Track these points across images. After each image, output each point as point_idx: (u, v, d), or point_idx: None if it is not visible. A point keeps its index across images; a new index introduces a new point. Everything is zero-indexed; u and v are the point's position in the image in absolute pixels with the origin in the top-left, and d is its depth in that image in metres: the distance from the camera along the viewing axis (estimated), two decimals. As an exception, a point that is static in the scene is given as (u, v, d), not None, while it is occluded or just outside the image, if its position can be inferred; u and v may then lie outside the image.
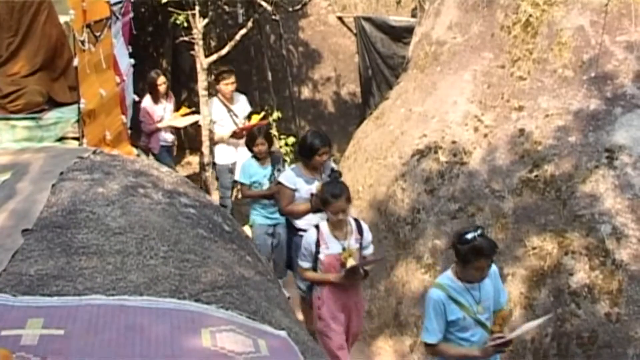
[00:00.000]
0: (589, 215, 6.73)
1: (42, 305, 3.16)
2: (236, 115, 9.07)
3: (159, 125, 9.71)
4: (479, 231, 4.88)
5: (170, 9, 10.56)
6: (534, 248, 6.82)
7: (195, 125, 10.20)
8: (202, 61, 10.34)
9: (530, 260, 6.79)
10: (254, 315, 3.48)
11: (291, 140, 11.53)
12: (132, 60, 8.61)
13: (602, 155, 6.97)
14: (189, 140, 12.60)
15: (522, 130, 7.50)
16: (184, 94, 13.35)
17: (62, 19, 6.03)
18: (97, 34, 6.65)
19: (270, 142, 7.66)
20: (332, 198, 5.72)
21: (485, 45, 8.43)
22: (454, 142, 7.86)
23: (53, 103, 6.03)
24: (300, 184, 6.65)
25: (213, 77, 11.95)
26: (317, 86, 13.36)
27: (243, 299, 3.60)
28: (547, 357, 6.43)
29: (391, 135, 8.64)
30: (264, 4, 10.66)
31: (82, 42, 6.11)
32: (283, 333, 3.44)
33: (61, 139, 5.78)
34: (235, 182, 8.88)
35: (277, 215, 7.29)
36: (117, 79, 7.40)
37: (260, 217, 7.45)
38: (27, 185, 4.37)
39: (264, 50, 13.03)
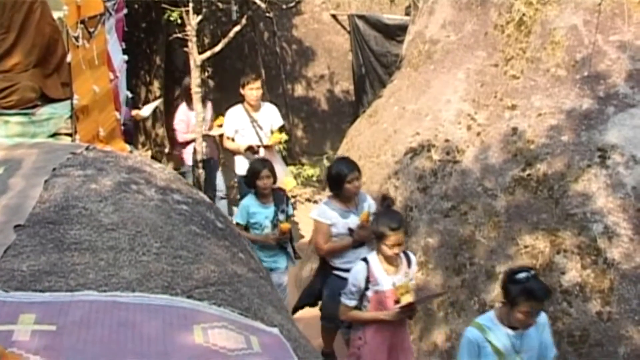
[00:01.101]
0: (581, 214, 6.74)
1: (34, 300, 3.16)
2: (260, 127, 8.25)
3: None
4: (532, 272, 4.60)
5: (163, 5, 10.55)
6: (526, 247, 6.83)
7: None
8: (196, 58, 10.32)
9: (522, 258, 6.80)
10: (246, 312, 3.48)
11: (284, 137, 11.50)
12: (126, 57, 8.59)
13: (594, 155, 6.99)
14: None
15: (515, 129, 7.52)
16: (178, 90, 13.34)
17: (56, 14, 6.01)
18: (91, 30, 6.64)
19: (274, 177, 6.79)
20: (389, 231, 5.25)
21: (479, 44, 8.44)
22: (447, 140, 7.88)
23: (46, 99, 6.01)
24: (336, 218, 6.10)
25: (207, 74, 11.95)
26: (311, 84, 13.37)
27: (235, 296, 3.60)
28: (538, 355, 6.45)
29: (384, 134, 8.65)
30: (257, 1, 10.65)
31: (76, 38, 6.10)
32: (275, 330, 3.44)
33: (54, 134, 5.76)
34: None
35: (277, 258, 6.73)
36: (111, 76, 7.39)
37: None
38: (19, 180, 4.37)
39: (257, 48, 13.03)
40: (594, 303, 6.37)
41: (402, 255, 5.50)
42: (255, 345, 3.16)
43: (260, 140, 8.17)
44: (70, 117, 5.83)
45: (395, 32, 12.28)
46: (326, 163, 11.40)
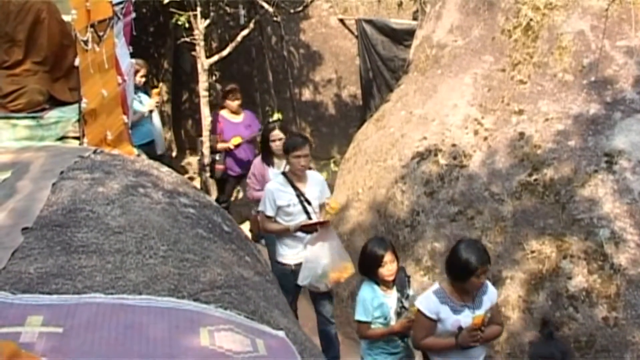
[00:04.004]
0: (587, 219, 6.74)
1: (41, 303, 3.17)
2: (308, 202, 6.55)
3: None
4: None
5: (171, 9, 10.59)
6: (532, 252, 6.83)
7: (194, 127, 10.13)
8: (204, 62, 10.37)
9: (528, 263, 6.80)
10: (252, 315, 3.48)
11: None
12: (134, 61, 8.61)
13: (601, 160, 6.98)
14: (189, 140, 12.61)
15: (522, 134, 7.52)
16: (185, 95, 13.38)
17: (65, 19, 6.04)
18: (101, 34, 6.66)
19: (397, 257, 5.52)
20: None
21: (486, 49, 8.44)
22: (454, 145, 7.88)
23: (54, 102, 6.04)
24: (445, 312, 4.88)
25: (214, 78, 11.97)
26: (318, 88, 13.39)
27: (242, 299, 3.61)
28: (544, 360, 6.45)
29: (391, 138, 8.66)
30: (265, 5, 10.70)
31: (85, 42, 6.12)
32: (281, 333, 3.45)
33: (62, 138, 5.77)
34: (297, 286, 6.50)
35: (401, 347, 5.51)
36: (119, 79, 7.40)
37: (383, 356, 5.48)
38: (27, 183, 4.38)
39: (265, 52, 13.06)
40: (601, 308, 6.36)
41: None
42: (261, 348, 3.17)
43: (310, 218, 6.53)
44: (78, 120, 5.84)
45: (403, 37, 12.30)
46: (333, 167, 11.39)
